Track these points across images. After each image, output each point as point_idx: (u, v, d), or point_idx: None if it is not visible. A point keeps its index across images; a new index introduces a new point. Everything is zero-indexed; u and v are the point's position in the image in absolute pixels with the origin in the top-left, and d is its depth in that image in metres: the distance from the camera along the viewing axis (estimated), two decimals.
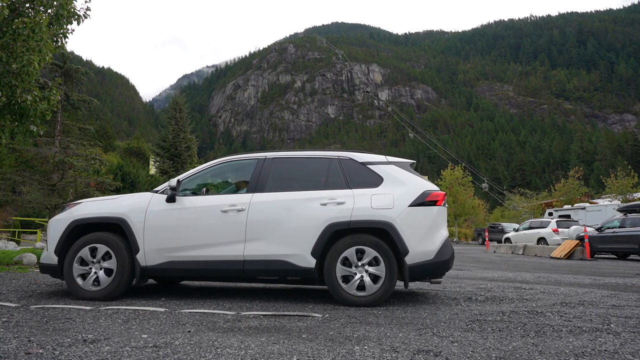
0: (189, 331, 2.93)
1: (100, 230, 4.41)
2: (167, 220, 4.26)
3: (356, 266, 4.04)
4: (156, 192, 4.48)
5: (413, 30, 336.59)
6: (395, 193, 4.17)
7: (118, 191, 17.89)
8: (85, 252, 4.22)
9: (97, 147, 18.87)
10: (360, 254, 4.04)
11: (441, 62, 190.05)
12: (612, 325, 3.23)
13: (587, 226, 16.76)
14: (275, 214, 4.18)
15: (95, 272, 4.20)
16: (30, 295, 4.47)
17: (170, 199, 4.33)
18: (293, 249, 4.07)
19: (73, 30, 7.62)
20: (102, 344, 2.55)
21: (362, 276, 4.02)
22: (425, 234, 4.10)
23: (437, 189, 4.35)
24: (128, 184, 26.34)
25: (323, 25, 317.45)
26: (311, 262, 4.02)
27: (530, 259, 13.89)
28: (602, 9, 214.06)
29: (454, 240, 36.03)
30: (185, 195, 4.41)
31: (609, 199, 32.72)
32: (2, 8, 6.34)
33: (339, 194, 4.20)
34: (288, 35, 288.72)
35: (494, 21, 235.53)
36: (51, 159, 14.46)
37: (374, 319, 3.41)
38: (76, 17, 7.52)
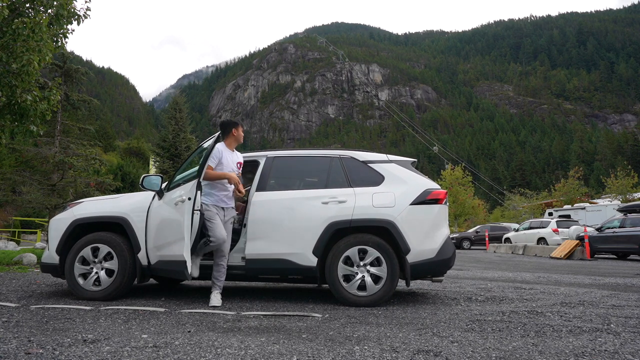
0: (189, 331, 2.93)
1: (101, 229, 4.41)
2: (157, 218, 4.20)
3: (358, 266, 4.04)
4: None
5: (413, 30, 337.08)
6: (397, 191, 4.16)
7: (118, 191, 17.89)
8: (87, 252, 4.21)
9: (97, 147, 18.83)
10: (362, 253, 4.03)
11: (441, 62, 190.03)
12: (612, 325, 3.23)
13: (587, 226, 16.75)
14: (276, 213, 4.18)
15: (97, 272, 4.19)
16: (30, 295, 4.47)
17: (159, 195, 4.30)
18: (294, 247, 4.06)
19: (73, 31, 7.62)
20: (102, 344, 2.55)
21: (363, 276, 4.01)
22: (426, 233, 4.10)
23: (439, 187, 4.34)
24: (128, 184, 26.37)
25: (323, 25, 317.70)
26: (313, 261, 4.02)
27: (530, 259, 13.89)
28: (602, 9, 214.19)
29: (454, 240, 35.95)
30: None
31: (609, 199, 32.70)
32: (2, 8, 6.34)
33: (340, 192, 4.19)
34: (288, 35, 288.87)
35: (494, 21, 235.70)
36: (51, 159, 14.45)
37: (374, 319, 3.40)
38: (76, 17, 7.51)
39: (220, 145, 4.16)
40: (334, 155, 4.49)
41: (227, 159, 4.16)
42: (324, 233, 4.03)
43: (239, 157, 4.37)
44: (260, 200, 4.24)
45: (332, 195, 4.17)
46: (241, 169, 4.34)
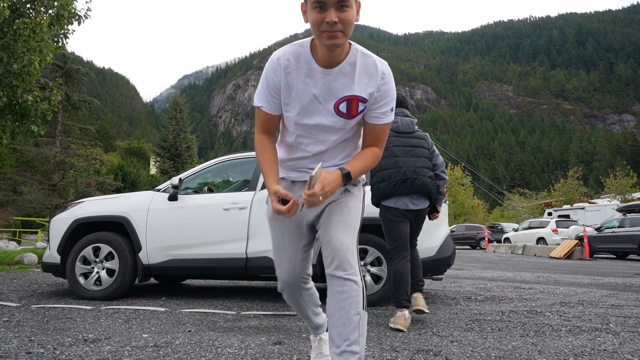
0: (190, 331, 2.94)
1: (101, 229, 4.43)
2: (169, 219, 4.27)
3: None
4: (157, 190, 4.49)
5: (413, 31, 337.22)
6: None
7: (118, 191, 17.89)
8: (88, 252, 4.23)
9: (98, 147, 18.90)
10: (362, 253, 4.03)
11: (441, 63, 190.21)
12: (611, 325, 3.24)
13: (586, 226, 16.77)
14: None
15: (98, 272, 4.22)
16: (31, 295, 4.48)
17: (173, 198, 4.34)
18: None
19: (74, 31, 7.65)
20: (102, 344, 2.56)
21: (364, 275, 4.01)
22: (426, 231, 4.10)
23: None
24: (128, 184, 26.34)
25: None
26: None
27: (529, 258, 13.90)
28: (601, 10, 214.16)
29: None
30: (187, 194, 4.42)
31: (608, 199, 32.71)
32: (3, 9, 6.36)
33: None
34: (288, 36, 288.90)
35: (494, 22, 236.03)
36: (52, 159, 14.47)
37: (374, 319, 3.41)
38: (77, 17, 7.54)
39: None
40: None
41: None
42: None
43: None
44: (259, 198, 4.26)
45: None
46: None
